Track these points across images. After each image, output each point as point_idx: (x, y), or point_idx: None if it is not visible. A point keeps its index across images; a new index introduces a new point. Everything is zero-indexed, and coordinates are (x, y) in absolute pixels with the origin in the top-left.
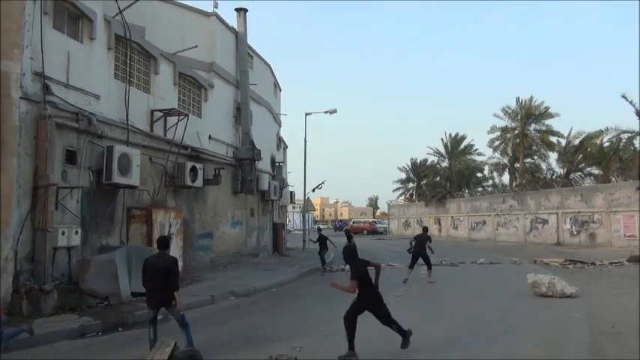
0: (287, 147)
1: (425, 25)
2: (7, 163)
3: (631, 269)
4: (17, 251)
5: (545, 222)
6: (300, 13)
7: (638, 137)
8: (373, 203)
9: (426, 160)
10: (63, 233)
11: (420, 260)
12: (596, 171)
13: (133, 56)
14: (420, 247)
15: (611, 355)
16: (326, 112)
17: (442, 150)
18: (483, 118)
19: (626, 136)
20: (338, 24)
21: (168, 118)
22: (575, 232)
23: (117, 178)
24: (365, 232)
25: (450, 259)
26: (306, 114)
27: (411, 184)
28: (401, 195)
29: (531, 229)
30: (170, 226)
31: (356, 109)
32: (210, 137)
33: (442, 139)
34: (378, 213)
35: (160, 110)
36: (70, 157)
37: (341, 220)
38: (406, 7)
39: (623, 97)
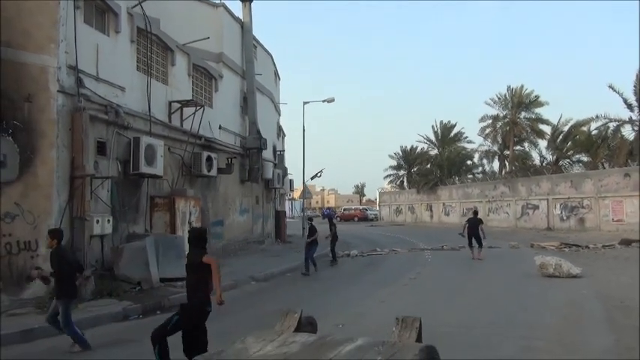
0: (285, 135)
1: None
2: (46, 155)
3: (624, 251)
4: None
5: (535, 207)
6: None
7: (626, 125)
8: (360, 190)
9: (416, 148)
10: (97, 222)
11: (422, 245)
12: (585, 158)
13: (152, 48)
14: (473, 229)
15: (627, 325)
16: (324, 101)
17: (433, 138)
18: (473, 106)
19: (613, 124)
20: (324, 9)
21: (184, 108)
22: (565, 217)
23: (144, 168)
24: (356, 218)
25: (450, 244)
26: (304, 103)
27: (402, 172)
28: (391, 182)
29: (522, 214)
30: (190, 214)
31: (343, 97)
32: (220, 127)
33: (433, 127)
34: (364, 200)
35: (178, 101)
36: (101, 148)
37: (329, 208)
38: None
39: (610, 87)
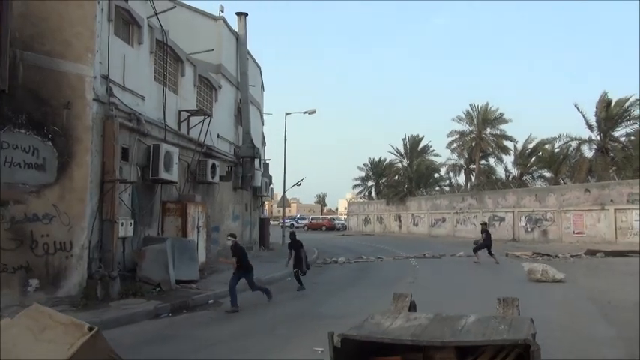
0: (265, 144)
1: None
2: (82, 160)
3: (590, 261)
4: (90, 241)
5: (502, 220)
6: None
7: (587, 144)
8: (321, 200)
9: (384, 160)
10: (122, 224)
11: (402, 253)
12: (547, 174)
13: (166, 59)
14: (488, 240)
15: (621, 320)
16: (305, 113)
17: (402, 150)
18: (438, 121)
19: (575, 143)
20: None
21: (190, 117)
22: (529, 229)
23: (163, 174)
24: (324, 228)
25: (431, 252)
26: (287, 114)
27: (370, 183)
28: (360, 193)
29: (489, 226)
30: (198, 219)
31: (305, 107)
32: (218, 136)
33: (403, 140)
34: (325, 210)
35: (187, 110)
36: (124, 154)
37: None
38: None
39: (576, 107)
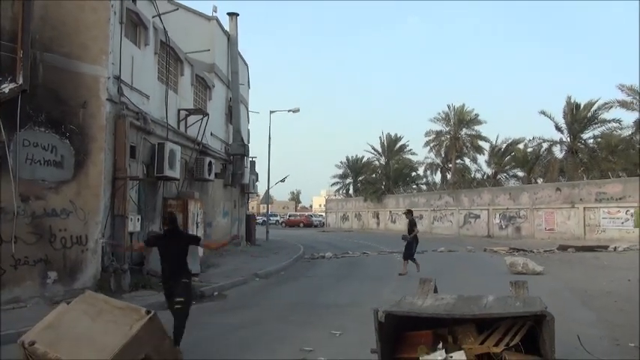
0: (249, 142)
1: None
2: (96, 158)
3: (563, 255)
4: (104, 235)
5: (477, 217)
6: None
7: (558, 145)
8: (295, 197)
9: (362, 158)
10: (131, 220)
11: (385, 248)
12: (520, 173)
13: (168, 60)
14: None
15: (599, 307)
16: (289, 111)
17: (379, 148)
18: (415, 120)
19: (546, 144)
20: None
21: (188, 116)
22: (503, 226)
23: (167, 171)
24: (301, 224)
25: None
26: (271, 112)
27: (348, 180)
28: (338, 190)
29: (465, 223)
30: (197, 215)
31: (282, 105)
32: (211, 134)
33: (380, 138)
34: (299, 207)
35: (186, 109)
36: (132, 152)
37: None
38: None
39: (542, 113)
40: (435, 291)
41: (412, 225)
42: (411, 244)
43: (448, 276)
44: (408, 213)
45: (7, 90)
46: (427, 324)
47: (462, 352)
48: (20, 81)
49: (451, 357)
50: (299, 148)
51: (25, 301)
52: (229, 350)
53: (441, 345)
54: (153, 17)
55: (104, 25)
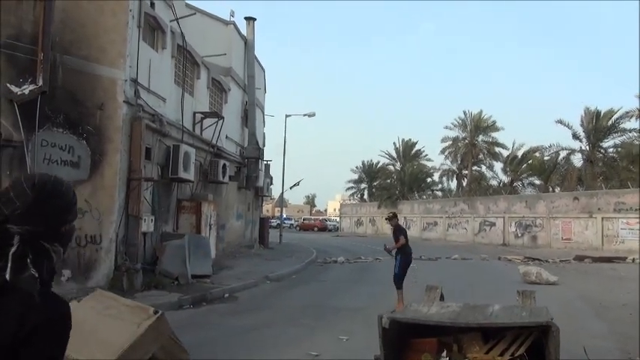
0: (265, 145)
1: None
2: (112, 159)
3: (579, 266)
4: (117, 235)
5: (492, 225)
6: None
7: (576, 154)
8: (310, 201)
9: (377, 163)
10: (144, 220)
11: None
12: (537, 181)
13: (185, 63)
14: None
15: (612, 318)
16: (305, 115)
17: (394, 154)
18: (432, 126)
19: (564, 152)
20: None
21: (204, 119)
22: (519, 235)
23: (182, 174)
24: (315, 228)
25: (426, 254)
26: (287, 115)
27: (362, 185)
28: (352, 195)
29: (480, 230)
30: (210, 217)
31: (297, 109)
32: (226, 137)
33: (394, 144)
34: (314, 211)
35: (202, 112)
36: (147, 154)
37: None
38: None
39: (559, 122)
40: (442, 299)
41: (397, 233)
42: (400, 261)
43: (460, 284)
44: (393, 217)
45: (27, 91)
46: (433, 331)
47: None
48: (40, 83)
49: None
50: (315, 152)
51: None
52: (236, 352)
53: (445, 353)
54: (170, 21)
55: (122, 29)
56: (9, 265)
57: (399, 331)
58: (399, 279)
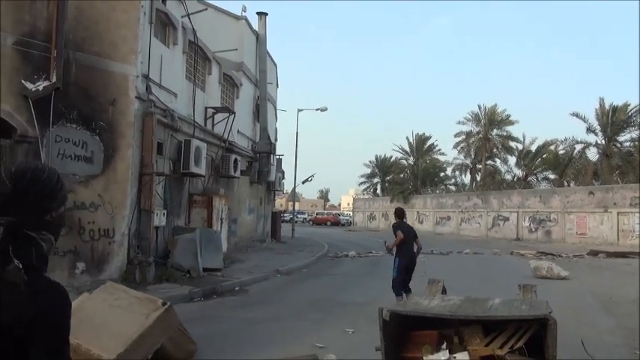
0: (277, 139)
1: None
2: (124, 154)
3: (593, 261)
4: (130, 229)
5: (506, 219)
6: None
7: (591, 148)
8: (324, 196)
9: (390, 157)
10: (156, 214)
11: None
12: (552, 175)
13: (196, 59)
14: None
15: (621, 314)
16: (317, 110)
17: (407, 148)
18: (445, 121)
19: (580, 146)
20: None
21: (215, 114)
22: (533, 229)
23: (193, 168)
24: (328, 223)
25: (437, 249)
26: (299, 110)
27: (375, 179)
28: (365, 189)
29: (493, 225)
30: (222, 211)
31: (311, 104)
32: (238, 131)
33: (408, 138)
34: (327, 205)
35: (214, 107)
36: (159, 149)
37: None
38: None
39: (575, 115)
40: (444, 292)
41: (395, 229)
42: (398, 264)
43: (469, 278)
44: (399, 213)
45: (41, 88)
46: (434, 324)
47: (466, 353)
48: (54, 79)
49: (454, 358)
50: (328, 146)
51: None
52: (244, 344)
53: (445, 345)
54: (182, 17)
55: (134, 25)
56: None
57: (401, 324)
58: (397, 284)
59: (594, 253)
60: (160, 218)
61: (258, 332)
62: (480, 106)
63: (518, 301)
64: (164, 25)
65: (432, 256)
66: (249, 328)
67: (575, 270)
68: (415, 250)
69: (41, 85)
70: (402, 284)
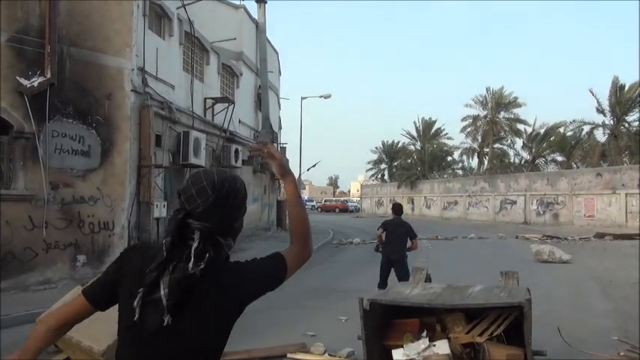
0: (282, 127)
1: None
2: (121, 147)
3: (599, 243)
4: (129, 221)
5: (513, 203)
6: None
7: (599, 128)
8: (334, 183)
9: (397, 143)
10: (157, 206)
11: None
12: (559, 157)
13: (194, 50)
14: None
15: (619, 297)
16: (320, 97)
17: (414, 133)
18: (451, 104)
19: (587, 127)
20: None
21: (215, 104)
22: (541, 212)
23: (192, 159)
24: (337, 210)
25: (443, 234)
26: (302, 98)
27: (383, 165)
28: (373, 175)
29: (501, 209)
30: None
31: (319, 91)
32: (239, 121)
33: (415, 123)
34: (337, 192)
35: (213, 98)
36: (157, 141)
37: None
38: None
39: (590, 91)
40: (429, 280)
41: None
42: (381, 259)
43: (469, 264)
44: (395, 209)
45: (36, 84)
46: (419, 312)
47: (446, 341)
48: (49, 75)
49: (434, 345)
50: (337, 133)
51: (55, 283)
52: (236, 333)
53: (425, 333)
54: (178, 9)
55: (128, 19)
56: (191, 260)
57: (386, 312)
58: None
59: (601, 236)
60: (160, 210)
61: (252, 321)
62: (487, 89)
63: (499, 288)
64: (159, 17)
65: (436, 241)
66: (243, 317)
67: (579, 253)
68: (407, 247)
69: (36, 81)
70: (381, 280)
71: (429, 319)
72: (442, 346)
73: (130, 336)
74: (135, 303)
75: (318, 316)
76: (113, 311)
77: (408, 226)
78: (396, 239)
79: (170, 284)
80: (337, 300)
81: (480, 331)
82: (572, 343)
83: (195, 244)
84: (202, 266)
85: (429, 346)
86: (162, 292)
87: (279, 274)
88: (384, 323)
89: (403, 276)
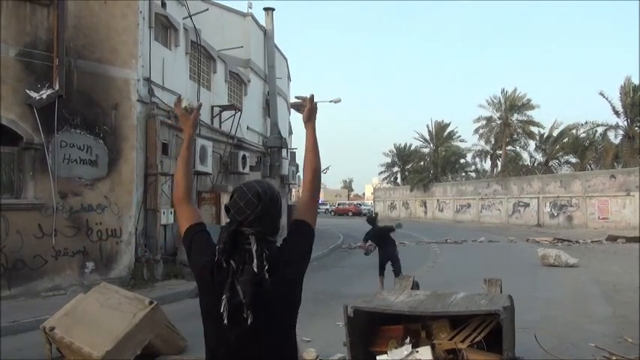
0: (292, 133)
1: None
2: (128, 156)
3: (611, 246)
4: (137, 228)
5: (526, 205)
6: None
7: (613, 130)
8: (348, 186)
9: (410, 146)
10: (164, 213)
11: (425, 238)
12: (573, 159)
13: (200, 59)
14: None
15: (621, 301)
16: (331, 102)
17: (427, 136)
18: (464, 107)
19: (601, 129)
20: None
21: (222, 112)
22: (554, 215)
23: (199, 167)
24: (350, 213)
25: (453, 237)
26: None
27: (395, 168)
28: (386, 179)
29: (514, 211)
30: None
31: (334, 95)
32: (248, 128)
33: (427, 126)
34: (352, 195)
35: (220, 106)
36: (164, 149)
37: (323, 203)
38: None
39: (601, 94)
40: (417, 287)
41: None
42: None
43: (475, 267)
44: (371, 219)
45: (44, 96)
46: (405, 319)
47: (429, 347)
48: (57, 87)
49: (417, 352)
50: (351, 136)
51: (64, 289)
52: None
53: (408, 340)
54: (184, 19)
55: (133, 30)
56: (254, 262)
57: (372, 319)
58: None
59: (613, 239)
60: (167, 217)
61: None
62: (502, 90)
63: (482, 295)
64: (165, 28)
65: (445, 245)
66: None
67: (588, 257)
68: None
69: (45, 93)
70: (380, 267)
71: (415, 326)
72: (425, 353)
73: (223, 339)
74: (222, 309)
75: (317, 321)
76: (111, 319)
77: (386, 229)
78: (386, 244)
79: (243, 286)
80: (338, 305)
81: (463, 338)
82: (565, 349)
83: (254, 247)
84: (267, 267)
85: (411, 352)
86: (240, 294)
87: (310, 236)
88: (372, 329)
89: (398, 269)
